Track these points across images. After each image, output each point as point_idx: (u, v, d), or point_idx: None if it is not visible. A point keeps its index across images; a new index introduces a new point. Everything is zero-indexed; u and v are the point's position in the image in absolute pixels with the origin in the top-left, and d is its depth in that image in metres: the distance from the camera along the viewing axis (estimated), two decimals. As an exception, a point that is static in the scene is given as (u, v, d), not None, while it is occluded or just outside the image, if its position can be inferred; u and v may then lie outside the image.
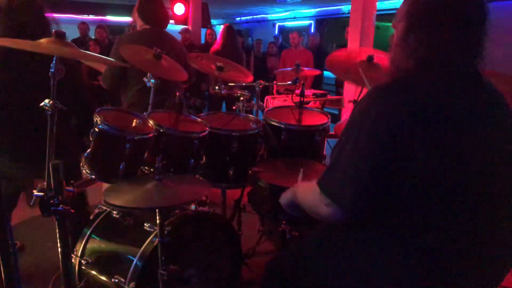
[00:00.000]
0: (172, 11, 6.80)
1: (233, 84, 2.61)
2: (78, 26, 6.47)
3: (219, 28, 5.76)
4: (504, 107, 1.11)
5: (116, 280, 1.63)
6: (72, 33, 6.34)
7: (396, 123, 0.97)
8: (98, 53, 1.90)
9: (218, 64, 2.35)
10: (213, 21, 10.54)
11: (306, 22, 12.67)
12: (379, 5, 4.71)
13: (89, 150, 1.73)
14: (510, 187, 1.06)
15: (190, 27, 6.68)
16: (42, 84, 1.62)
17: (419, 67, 1.06)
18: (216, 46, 5.34)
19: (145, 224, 1.72)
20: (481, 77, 1.09)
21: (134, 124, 1.89)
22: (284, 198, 1.43)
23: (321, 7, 11.61)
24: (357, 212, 1.05)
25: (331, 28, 11.98)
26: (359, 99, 1.11)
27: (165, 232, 1.53)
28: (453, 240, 1.02)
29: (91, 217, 1.93)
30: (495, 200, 1.04)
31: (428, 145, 0.97)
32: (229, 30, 5.29)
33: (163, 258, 1.52)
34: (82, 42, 6.15)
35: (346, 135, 1.07)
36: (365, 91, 2.53)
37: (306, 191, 1.22)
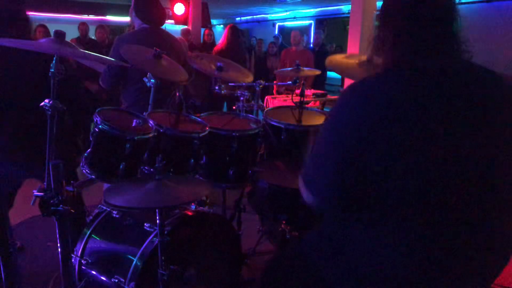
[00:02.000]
0: (172, 11, 6.80)
1: (233, 84, 2.61)
2: (78, 26, 6.45)
3: (219, 28, 5.75)
4: (476, 105, 1.08)
5: (116, 280, 1.63)
6: (73, 33, 6.34)
7: (357, 121, 1.03)
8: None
9: (218, 64, 2.35)
10: (213, 21, 10.55)
11: (306, 22, 12.67)
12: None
13: (89, 150, 1.73)
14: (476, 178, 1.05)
15: (190, 27, 6.68)
16: (38, 84, 1.61)
17: (385, 64, 1.12)
18: (220, 46, 5.33)
19: (145, 224, 1.72)
20: (446, 73, 1.08)
21: (134, 124, 1.89)
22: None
23: (321, 7, 11.61)
24: (328, 201, 1.11)
25: (331, 28, 11.98)
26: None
27: (165, 232, 1.53)
28: (435, 233, 1.03)
29: (91, 217, 1.93)
30: (463, 189, 1.04)
31: (385, 141, 1.00)
32: (234, 31, 5.28)
33: (163, 258, 1.52)
34: (81, 42, 6.14)
35: (321, 130, 1.15)
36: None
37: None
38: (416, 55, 1.08)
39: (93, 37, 6.67)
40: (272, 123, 2.25)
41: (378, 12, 1.17)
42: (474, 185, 1.04)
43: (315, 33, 7.19)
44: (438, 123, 1.02)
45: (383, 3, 1.15)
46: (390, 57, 1.11)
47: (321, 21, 12.17)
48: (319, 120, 2.36)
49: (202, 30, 6.83)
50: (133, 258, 1.65)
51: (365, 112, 1.02)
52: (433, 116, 1.02)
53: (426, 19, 1.07)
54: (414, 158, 1.00)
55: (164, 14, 2.72)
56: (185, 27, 6.53)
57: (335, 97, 5.44)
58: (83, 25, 6.45)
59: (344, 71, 2.20)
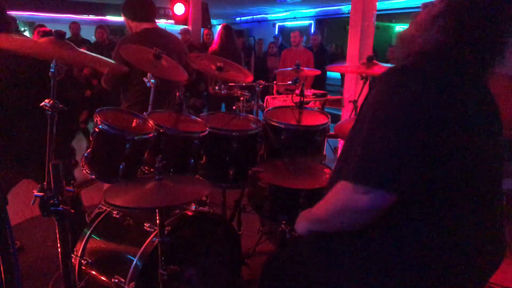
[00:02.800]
0: (172, 11, 6.79)
1: (233, 84, 2.61)
2: (69, 26, 6.36)
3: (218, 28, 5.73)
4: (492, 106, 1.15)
5: (116, 280, 1.63)
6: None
7: (426, 110, 0.98)
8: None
9: (218, 64, 2.35)
10: (213, 21, 10.54)
11: (306, 22, 12.67)
12: (379, 5, 4.71)
13: (89, 150, 1.73)
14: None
15: (190, 27, 6.67)
16: (25, 86, 1.60)
17: (437, 51, 1.07)
18: (214, 46, 5.31)
19: (145, 224, 1.72)
20: (481, 74, 1.12)
21: (134, 124, 1.89)
22: (301, 227, 1.33)
23: (321, 7, 11.61)
24: (401, 190, 1.02)
25: (331, 28, 11.99)
26: (375, 82, 1.12)
27: (165, 232, 1.53)
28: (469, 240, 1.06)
29: (91, 217, 1.93)
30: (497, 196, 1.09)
31: (457, 137, 1.01)
32: (227, 30, 5.25)
33: (163, 258, 1.52)
34: (74, 42, 6.10)
35: (370, 122, 1.05)
36: (365, 90, 2.53)
37: (328, 201, 1.15)
38: (469, 51, 1.06)
39: (85, 37, 6.62)
40: (272, 123, 2.25)
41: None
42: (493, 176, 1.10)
43: (313, 34, 7.14)
44: (477, 124, 1.06)
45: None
46: (449, 47, 1.07)
47: (321, 21, 12.17)
48: (319, 120, 2.36)
49: (202, 30, 6.82)
50: (133, 258, 1.64)
51: (439, 107, 0.99)
52: (475, 116, 1.06)
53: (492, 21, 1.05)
54: (477, 161, 1.04)
55: (151, 7, 2.69)
56: (185, 27, 6.53)
57: (335, 97, 5.43)
58: (74, 24, 6.39)
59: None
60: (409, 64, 1.09)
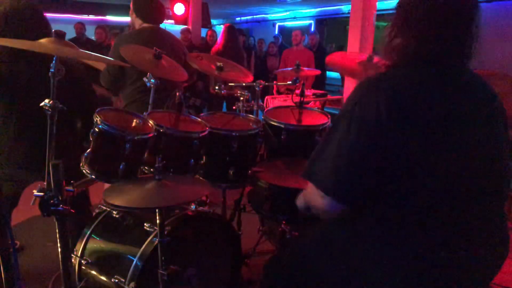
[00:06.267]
0: (172, 11, 6.79)
1: (233, 84, 2.61)
2: (74, 25, 6.43)
3: (219, 28, 5.75)
4: (488, 108, 1.11)
5: (116, 280, 1.63)
6: (73, 33, 6.35)
7: (376, 115, 1.01)
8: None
9: (218, 64, 2.35)
10: (213, 21, 10.55)
11: (306, 22, 12.67)
12: (379, 5, 4.72)
13: (89, 150, 1.73)
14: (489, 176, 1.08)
15: (190, 27, 6.68)
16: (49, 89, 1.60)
17: (400, 60, 1.10)
18: (218, 46, 5.33)
19: (145, 224, 1.72)
20: (463, 74, 1.11)
21: (134, 124, 1.89)
22: (300, 202, 1.37)
23: (321, 7, 11.61)
24: (351, 202, 1.06)
25: (331, 28, 11.99)
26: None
27: (165, 232, 1.53)
28: (445, 232, 1.04)
29: (91, 217, 1.93)
30: (481, 188, 1.06)
31: (406, 136, 1.00)
32: (230, 30, 5.28)
33: (163, 258, 1.52)
34: (79, 41, 6.14)
35: (333, 126, 1.10)
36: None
37: (307, 190, 1.20)
38: (434, 53, 1.07)
39: (92, 37, 6.66)
40: (272, 123, 2.25)
41: (393, 11, 1.14)
42: (481, 184, 1.07)
43: (311, 34, 7.12)
44: (456, 123, 1.04)
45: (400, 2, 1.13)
46: (405, 56, 1.10)
47: (321, 21, 12.17)
48: (319, 120, 2.36)
49: (205, 30, 6.82)
50: (133, 258, 1.64)
51: (386, 110, 1.00)
52: (453, 116, 1.04)
53: (447, 21, 1.06)
54: (442, 157, 1.01)
55: (163, 12, 2.72)
56: (185, 26, 6.53)
57: (335, 97, 5.43)
58: (79, 25, 6.42)
59: (344, 69, 2.21)
60: (375, 75, 1.11)
